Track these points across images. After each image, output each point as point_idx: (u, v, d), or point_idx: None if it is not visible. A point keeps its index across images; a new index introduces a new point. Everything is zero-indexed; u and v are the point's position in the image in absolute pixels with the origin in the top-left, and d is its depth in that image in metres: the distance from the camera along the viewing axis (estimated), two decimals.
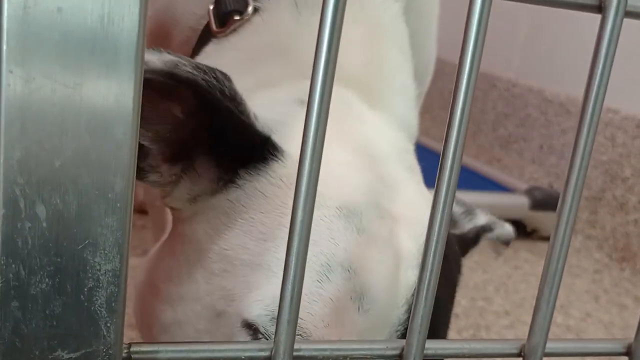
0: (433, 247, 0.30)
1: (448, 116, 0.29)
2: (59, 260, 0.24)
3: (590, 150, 0.31)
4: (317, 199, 0.45)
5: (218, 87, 0.43)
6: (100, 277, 0.24)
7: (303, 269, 0.28)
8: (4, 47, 0.22)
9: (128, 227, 0.24)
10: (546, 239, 1.53)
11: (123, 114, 0.24)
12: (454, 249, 0.55)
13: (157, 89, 0.43)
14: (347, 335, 0.43)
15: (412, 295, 0.46)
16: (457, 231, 0.60)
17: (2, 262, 0.23)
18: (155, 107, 0.45)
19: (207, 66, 0.44)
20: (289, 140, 0.49)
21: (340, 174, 0.48)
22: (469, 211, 0.62)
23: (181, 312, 0.50)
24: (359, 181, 0.49)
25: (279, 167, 0.48)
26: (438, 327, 0.48)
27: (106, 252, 0.24)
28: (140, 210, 1.31)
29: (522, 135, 1.90)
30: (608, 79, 0.29)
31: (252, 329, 0.44)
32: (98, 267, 0.24)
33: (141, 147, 0.47)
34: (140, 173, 0.48)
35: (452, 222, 0.61)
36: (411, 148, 0.59)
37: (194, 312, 0.48)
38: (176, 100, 0.45)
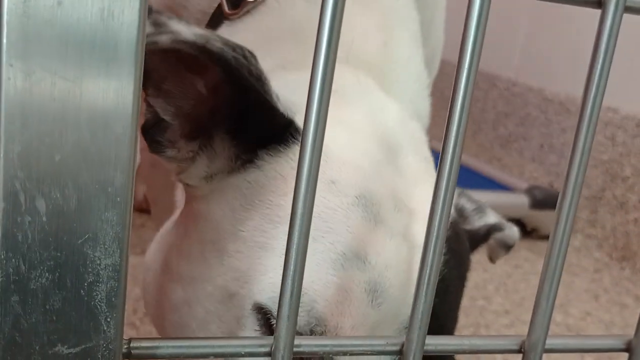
0: (433, 245, 0.30)
1: (447, 115, 0.29)
2: (58, 254, 0.24)
3: (590, 147, 0.31)
4: (336, 186, 0.45)
5: (246, 65, 0.43)
6: (100, 271, 0.24)
7: (303, 265, 0.28)
8: (4, 40, 0.22)
9: (128, 222, 0.24)
10: (546, 238, 1.52)
11: (123, 109, 0.24)
12: (464, 244, 0.55)
13: (181, 61, 0.42)
14: (359, 327, 0.42)
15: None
16: (467, 227, 0.59)
17: (2, 256, 0.23)
18: (180, 81, 0.44)
19: (236, 44, 0.43)
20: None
21: (360, 163, 0.48)
22: (480, 209, 0.62)
23: (192, 292, 0.49)
24: (378, 172, 0.48)
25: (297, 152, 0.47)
26: (447, 321, 0.48)
27: (106, 246, 0.24)
28: (140, 209, 1.31)
29: (522, 135, 1.90)
30: (608, 74, 0.29)
31: (261, 313, 0.44)
32: (98, 262, 0.24)
33: (161, 121, 0.46)
34: (158, 147, 0.47)
35: (463, 218, 0.60)
36: (425, 139, 0.59)
37: (205, 292, 0.47)
38: (201, 75, 0.45)
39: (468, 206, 0.61)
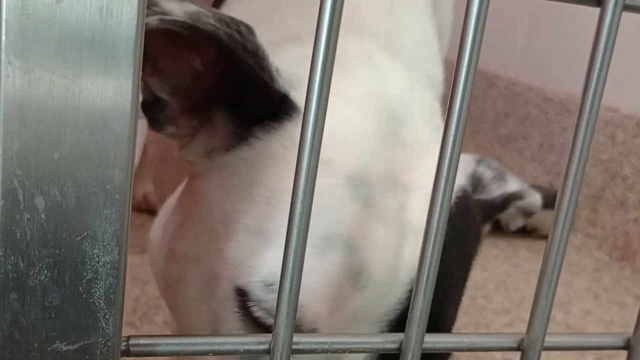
0: (432, 242, 0.30)
1: (446, 114, 0.29)
2: (57, 252, 0.24)
3: (589, 145, 0.31)
4: (326, 167, 0.44)
5: (240, 42, 0.42)
6: (99, 269, 0.24)
7: (302, 262, 0.28)
8: (3, 38, 0.22)
9: (127, 219, 0.24)
10: (546, 237, 1.52)
11: (121, 107, 0.24)
12: (471, 220, 0.52)
13: (177, 39, 0.42)
14: (338, 311, 0.42)
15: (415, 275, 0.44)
16: (485, 196, 0.57)
17: (1, 253, 0.23)
18: (176, 59, 0.44)
19: (231, 18, 0.42)
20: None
21: (357, 139, 0.46)
22: (500, 176, 0.59)
23: (185, 270, 0.48)
24: (377, 147, 0.46)
25: (292, 127, 0.46)
26: (444, 308, 0.46)
27: (105, 243, 0.24)
28: (139, 208, 1.32)
29: (522, 134, 1.90)
30: (607, 72, 0.29)
31: (242, 297, 0.43)
32: (97, 259, 0.24)
33: (159, 99, 0.46)
34: (157, 124, 0.47)
35: (481, 187, 0.58)
36: (437, 106, 0.56)
37: (197, 272, 0.47)
38: (197, 52, 0.44)
39: (487, 174, 0.59)
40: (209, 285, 0.46)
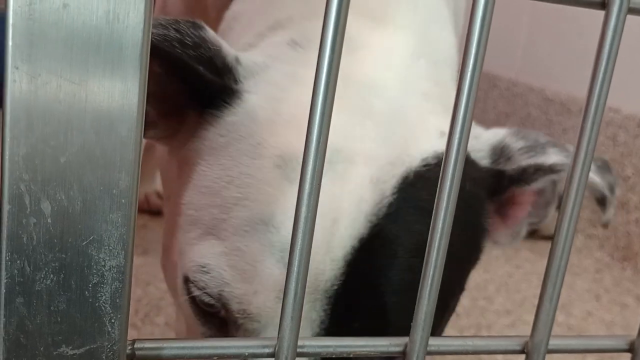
0: (436, 245, 0.30)
1: (451, 117, 0.29)
2: (63, 256, 0.24)
3: (594, 147, 0.31)
4: (258, 148, 0.44)
5: (176, 38, 0.42)
6: (105, 273, 0.24)
7: (307, 267, 0.28)
8: (10, 42, 0.22)
9: (133, 223, 0.24)
10: (547, 238, 1.52)
11: (128, 111, 0.24)
12: (469, 205, 0.48)
13: None
14: (263, 290, 0.42)
15: (350, 251, 0.42)
16: (509, 167, 0.51)
17: (7, 258, 0.24)
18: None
19: (170, 19, 0.43)
20: (257, 85, 0.47)
21: (297, 116, 0.45)
22: (536, 147, 0.52)
23: (163, 261, 0.53)
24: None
25: (229, 115, 0.46)
26: (398, 307, 0.43)
27: (111, 248, 0.24)
28: (141, 209, 1.32)
29: None
30: (612, 74, 0.29)
31: (187, 284, 0.45)
32: (102, 263, 0.24)
33: None
34: None
35: (505, 158, 0.52)
36: (434, 73, 0.53)
37: (167, 262, 0.51)
38: (152, 57, 0.45)
39: (517, 144, 0.52)
40: (172, 274, 0.49)
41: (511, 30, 1.96)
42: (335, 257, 0.42)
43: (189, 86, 0.46)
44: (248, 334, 0.43)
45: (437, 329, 0.47)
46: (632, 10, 0.30)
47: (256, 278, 0.42)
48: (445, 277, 0.46)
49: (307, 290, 0.42)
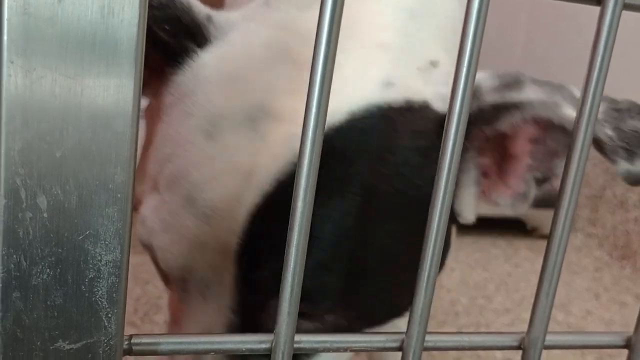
0: (433, 237, 0.30)
1: (446, 116, 0.29)
2: (60, 250, 0.24)
3: (589, 144, 0.31)
4: (189, 108, 0.45)
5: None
6: (101, 267, 0.24)
7: (303, 262, 0.28)
8: (5, 37, 0.22)
9: (129, 218, 0.24)
10: (546, 236, 1.53)
11: (123, 105, 0.24)
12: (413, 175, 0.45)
13: None
14: (181, 238, 0.44)
15: (255, 208, 0.43)
16: (474, 105, 0.44)
17: (4, 252, 0.24)
18: None
19: None
20: (218, 43, 0.47)
21: (230, 73, 0.46)
22: (510, 84, 0.45)
23: None
24: (253, 78, 0.45)
25: (177, 77, 0.47)
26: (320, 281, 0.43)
27: (107, 242, 0.24)
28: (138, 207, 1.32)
29: None
30: (607, 71, 0.30)
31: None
32: (99, 258, 0.24)
33: None
34: None
35: (474, 99, 0.45)
36: (407, 24, 0.49)
37: None
38: None
39: (489, 83, 0.46)
40: None
41: (510, 29, 1.96)
42: (244, 211, 0.43)
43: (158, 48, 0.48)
44: (191, 295, 0.46)
45: (392, 305, 0.48)
46: (628, 6, 0.30)
47: (174, 229, 0.44)
48: (392, 249, 0.46)
49: (215, 241, 0.44)
